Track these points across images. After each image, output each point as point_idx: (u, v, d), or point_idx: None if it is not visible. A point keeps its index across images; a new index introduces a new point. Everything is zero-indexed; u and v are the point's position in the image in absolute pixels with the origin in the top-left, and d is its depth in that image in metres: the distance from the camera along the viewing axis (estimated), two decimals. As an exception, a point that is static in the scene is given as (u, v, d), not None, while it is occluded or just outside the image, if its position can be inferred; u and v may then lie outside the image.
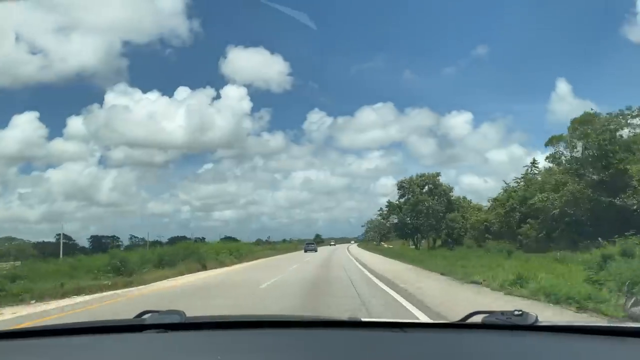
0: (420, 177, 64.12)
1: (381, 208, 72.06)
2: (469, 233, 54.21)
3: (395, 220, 68.39)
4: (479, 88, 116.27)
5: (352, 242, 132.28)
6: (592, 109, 35.56)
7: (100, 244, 72.38)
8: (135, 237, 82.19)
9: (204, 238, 73.06)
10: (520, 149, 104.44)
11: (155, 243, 62.97)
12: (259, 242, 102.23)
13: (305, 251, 63.82)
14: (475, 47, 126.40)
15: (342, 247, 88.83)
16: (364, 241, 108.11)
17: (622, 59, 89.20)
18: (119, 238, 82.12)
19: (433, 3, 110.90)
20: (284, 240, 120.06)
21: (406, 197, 64.48)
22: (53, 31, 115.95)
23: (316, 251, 62.65)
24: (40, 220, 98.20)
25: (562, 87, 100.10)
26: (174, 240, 68.12)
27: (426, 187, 63.12)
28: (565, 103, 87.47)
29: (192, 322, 1.98)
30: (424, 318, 8.39)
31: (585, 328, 1.79)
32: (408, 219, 64.21)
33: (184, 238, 74.18)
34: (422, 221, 61.99)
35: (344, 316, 2.31)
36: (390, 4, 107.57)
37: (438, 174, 64.60)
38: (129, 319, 2.11)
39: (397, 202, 66.19)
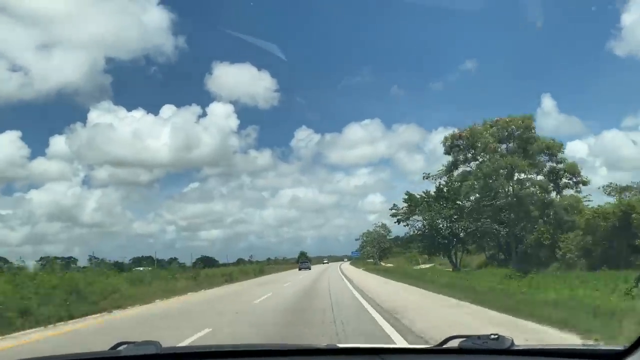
0: (493, 123, 36.92)
1: (394, 206, 46.81)
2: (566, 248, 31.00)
3: (419, 224, 43.85)
4: (466, 104, 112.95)
5: (345, 260, 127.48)
6: None
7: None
8: (95, 257, 75.53)
9: (174, 259, 70.75)
10: None
11: (116, 265, 55.84)
12: (240, 262, 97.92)
13: (300, 269, 65.94)
14: (464, 62, 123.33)
15: (333, 266, 76.92)
16: (360, 259, 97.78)
17: (608, 73, 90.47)
18: (76, 260, 74.85)
19: (422, 17, 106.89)
20: (269, 260, 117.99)
21: (463, 165, 39.52)
22: (34, 48, 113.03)
23: (310, 269, 64.54)
24: (22, 243, 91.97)
25: (547, 102, 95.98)
26: (138, 262, 66.77)
27: (511, 143, 36.66)
28: (551, 118, 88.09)
29: (168, 352, 2.06)
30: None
31: (560, 351, 1.95)
32: (455, 211, 39.59)
33: (148, 259, 71.47)
34: (496, 214, 36.33)
35: (322, 343, 2.59)
36: (377, 19, 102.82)
37: (529, 117, 37.16)
38: (105, 350, 2.23)
39: (425, 193, 43.00)
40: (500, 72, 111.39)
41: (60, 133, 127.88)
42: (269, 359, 2.02)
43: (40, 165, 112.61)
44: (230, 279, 39.40)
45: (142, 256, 73.98)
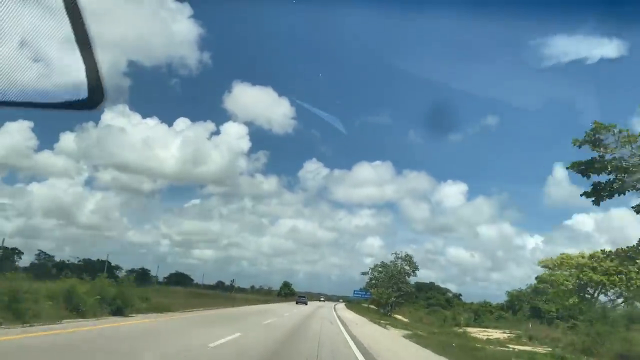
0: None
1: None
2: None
3: None
4: (479, 159, 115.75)
5: (340, 300, 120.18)
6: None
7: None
8: (44, 253, 72.74)
9: (142, 271, 72.61)
10: (511, 227, 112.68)
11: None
12: (218, 286, 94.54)
13: (297, 303, 65.26)
14: (486, 117, 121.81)
15: (325, 309, 52.79)
16: (358, 302, 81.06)
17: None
18: (22, 252, 70.89)
19: (450, 66, 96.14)
20: (252, 288, 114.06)
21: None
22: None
23: (306, 304, 63.24)
24: (13, 234, 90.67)
25: (559, 171, 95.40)
26: (89, 264, 64.75)
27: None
28: (561, 188, 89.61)
29: None
30: None
31: None
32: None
33: (99, 263, 66.26)
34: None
35: None
36: (406, 62, 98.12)
37: None
38: None
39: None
40: (518, 133, 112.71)
41: (71, 130, 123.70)
42: None
43: (46, 158, 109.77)
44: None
45: (98, 259, 69.53)
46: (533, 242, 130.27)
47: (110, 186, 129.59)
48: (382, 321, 37.39)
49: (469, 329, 49.76)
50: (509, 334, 42.16)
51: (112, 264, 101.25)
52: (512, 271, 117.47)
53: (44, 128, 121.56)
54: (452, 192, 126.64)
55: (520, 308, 74.42)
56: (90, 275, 22.22)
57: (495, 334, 42.77)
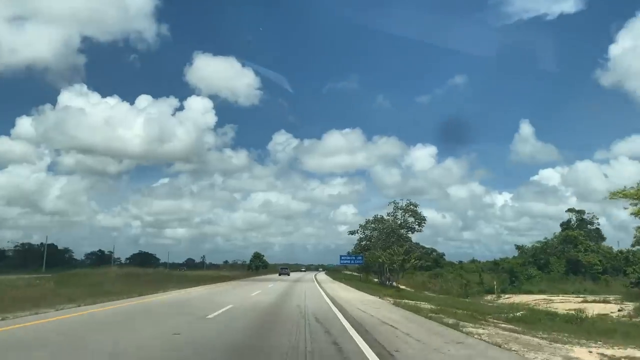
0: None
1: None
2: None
3: None
4: (448, 121, 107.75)
5: (320, 270, 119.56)
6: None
7: None
8: None
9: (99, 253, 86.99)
10: (479, 187, 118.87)
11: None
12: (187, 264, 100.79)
13: (280, 274, 67.38)
14: (454, 77, 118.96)
15: (303, 286, 35.61)
16: (341, 270, 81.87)
17: (590, 102, 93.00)
18: None
19: (417, 28, 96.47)
20: (226, 262, 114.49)
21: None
22: (5, 19, 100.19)
23: (289, 275, 66.61)
24: None
25: (526, 128, 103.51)
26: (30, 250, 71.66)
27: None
28: (528, 144, 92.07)
29: None
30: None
31: None
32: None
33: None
34: None
35: None
36: (372, 25, 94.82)
37: None
38: None
39: None
40: (484, 93, 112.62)
41: (27, 114, 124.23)
42: None
43: (2, 145, 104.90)
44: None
45: (42, 244, 68.99)
46: (502, 199, 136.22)
47: (75, 170, 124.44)
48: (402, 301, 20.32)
49: (517, 298, 33.95)
50: (616, 303, 26.19)
51: (60, 248, 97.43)
52: (482, 229, 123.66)
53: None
54: (422, 155, 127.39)
55: (547, 262, 59.71)
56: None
57: (587, 304, 26.65)
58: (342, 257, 53.95)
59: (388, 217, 48.21)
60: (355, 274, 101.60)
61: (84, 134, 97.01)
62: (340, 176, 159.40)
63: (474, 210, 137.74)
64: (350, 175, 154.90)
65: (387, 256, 41.10)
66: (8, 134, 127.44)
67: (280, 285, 35.48)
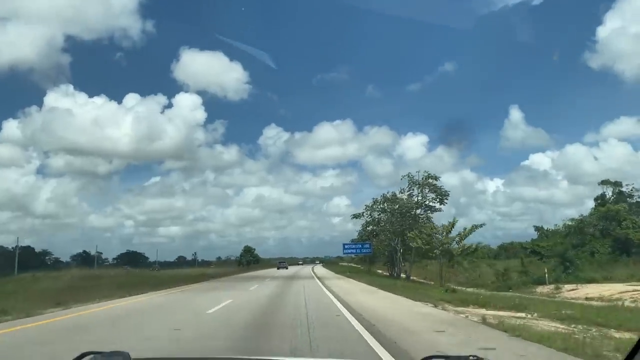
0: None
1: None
2: None
3: None
4: (438, 109, 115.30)
5: (317, 262, 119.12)
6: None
7: None
8: None
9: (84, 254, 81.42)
10: (471, 173, 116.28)
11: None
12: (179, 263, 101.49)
13: (278, 268, 67.44)
14: (444, 64, 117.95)
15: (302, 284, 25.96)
16: (337, 263, 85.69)
17: (579, 85, 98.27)
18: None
19: (403, 14, 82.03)
20: (219, 259, 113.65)
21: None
22: None
23: (287, 269, 66.27)
24: None
25: (515, 114, 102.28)
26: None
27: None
28: (518, 130, 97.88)
29: None
30: None
31: None
32: None
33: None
34: None
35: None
36: (358, 14, 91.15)
37: None
38: None
39: None
40: (475, 77, 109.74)
41: (13, 117, 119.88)
42: None
43: None
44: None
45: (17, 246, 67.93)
46: (494, 185, 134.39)
47: (65, 171, 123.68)
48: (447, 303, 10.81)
49: (585, 289, 24.94)
50: None
51: (38, 250, 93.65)
52: (474, 215, 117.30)
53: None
54: (414, 144, 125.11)
55: (584, 243, 50.78)
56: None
57: None
58: (346, 246, 44.06)
59: (401, 195, 38.63)
60: (354, 265, 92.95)
61: (72, 134, 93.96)
62: (332, 168, 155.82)
63: (467, 197, 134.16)
64: (342, 167, 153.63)
65: (425, 239, 31.47)
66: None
67: (268, 287, 25.60)
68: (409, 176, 37.11)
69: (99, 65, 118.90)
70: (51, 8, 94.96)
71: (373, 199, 41.24)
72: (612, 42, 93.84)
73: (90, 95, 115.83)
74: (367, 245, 41.97)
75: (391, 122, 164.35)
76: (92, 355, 1.93)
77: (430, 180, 36.48)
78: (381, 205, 40.87)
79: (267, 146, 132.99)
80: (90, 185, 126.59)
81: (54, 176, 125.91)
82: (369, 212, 41.73)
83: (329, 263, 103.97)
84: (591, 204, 56.60)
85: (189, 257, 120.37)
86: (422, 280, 40.03)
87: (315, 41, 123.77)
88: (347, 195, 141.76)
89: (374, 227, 42.66)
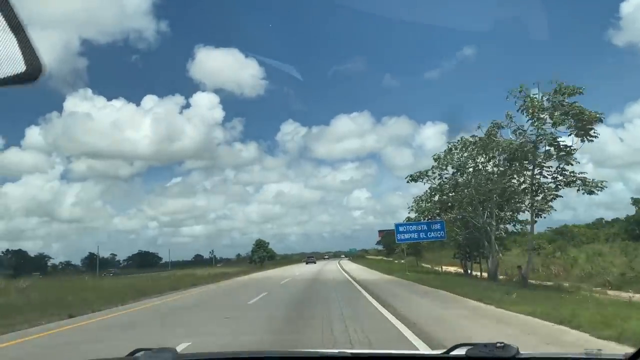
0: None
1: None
2: None
3: None
4: (459, 96, 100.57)
5: (343, 256, 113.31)
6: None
7: None
8: None
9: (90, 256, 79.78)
10: None
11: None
12: (195, 262, 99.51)
13: (307, 263, 67.02)
14: (462, 49, 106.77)
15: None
16: (364, 255, 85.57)
17: (605, 64, 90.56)
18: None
19: (416, 6, 73.26)
20: (238, 256, 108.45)
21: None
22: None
23: (315, 263, 67.01)
24: None
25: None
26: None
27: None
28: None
29: (185, 359, 2.02)
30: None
31: (566, 359, 2.06)
32: None
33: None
34: None
35: (333, 350, 2.35)
36: (372, 4, 67.74)
37: None
38: (122, 357, 2.07)
39: None
40: (495, 61, 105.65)
41: (35, 124, 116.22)
42: None
43: (14, 156, 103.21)
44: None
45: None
46: None
47: (88, 176, 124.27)
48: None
49: None
50: None
51: (33, 255, 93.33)
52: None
53: (4, 125, 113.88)
54: (433, 134, 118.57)
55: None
56: None
57: None
58: (400, 227, 26.14)
59: (499, 136, 21.87)
60: (385, 258, 77.13)
61: (92, 138, 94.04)
62: (351, 161, 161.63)
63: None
64: (362, 159, 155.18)
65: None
66: (19, 145, 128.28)
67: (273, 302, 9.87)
68: (520, 92, 20.28)
69: (116, 67, 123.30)
70: (65, 13, 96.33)
71: (449, 144, 24.25)
72: (637, 17, 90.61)
73: (109, 99, 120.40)
74: (439, 225, 25.14)
75: (410, 111, 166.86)
76: (143, 352, 1.97)
77: (560, 99, 19.75)
78: (457, 156, 24.09)
79: (285, 142, 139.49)
80: (113, 188, 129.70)
81: (77, 180, 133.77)
82: (438, 170, 24.94)
83: (355, 257, 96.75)
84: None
85: (206, 256, 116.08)
86: (536, 282, 23.94)
87: (330, 33, 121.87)
88: (367, 187, 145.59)
89: (443, 197, 25.96)
